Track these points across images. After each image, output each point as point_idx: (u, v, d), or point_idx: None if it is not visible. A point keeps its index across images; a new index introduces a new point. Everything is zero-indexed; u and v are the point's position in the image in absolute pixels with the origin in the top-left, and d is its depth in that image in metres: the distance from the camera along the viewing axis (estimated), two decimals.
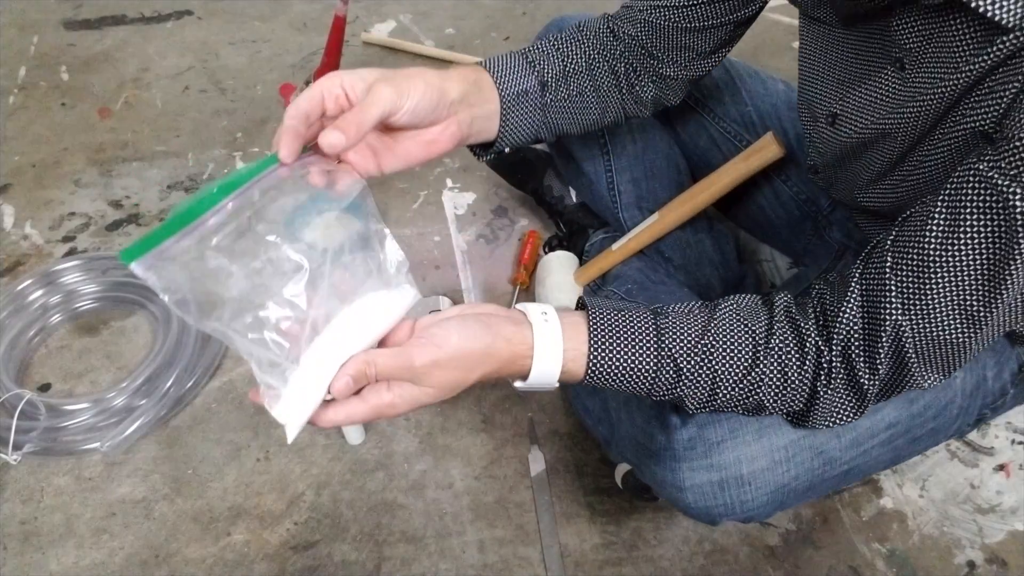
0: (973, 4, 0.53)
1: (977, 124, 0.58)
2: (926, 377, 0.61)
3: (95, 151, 1.42)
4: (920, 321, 0.58)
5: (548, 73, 0.75)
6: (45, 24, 1.71)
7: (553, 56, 0.76)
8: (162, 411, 1.02)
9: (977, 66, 0.57)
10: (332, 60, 1.42)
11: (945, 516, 0.98)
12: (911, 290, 0.58)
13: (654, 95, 0.82)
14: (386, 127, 0.63)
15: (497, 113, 0.72)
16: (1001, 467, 1.03)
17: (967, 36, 0.57)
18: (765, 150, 0.92)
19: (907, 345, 0.59)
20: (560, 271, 1.14)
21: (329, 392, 0.54)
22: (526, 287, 1.20)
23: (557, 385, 0.63)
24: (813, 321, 0.62)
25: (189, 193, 1.35)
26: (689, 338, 0.62)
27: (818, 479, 0.73)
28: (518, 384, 0.62)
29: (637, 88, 0.81)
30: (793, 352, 0.62)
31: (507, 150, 0.76)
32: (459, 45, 1.70)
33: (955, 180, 0.55)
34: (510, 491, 0.98)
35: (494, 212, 1.34)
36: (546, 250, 1.24)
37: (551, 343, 0.60)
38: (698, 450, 0.70)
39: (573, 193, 1.21)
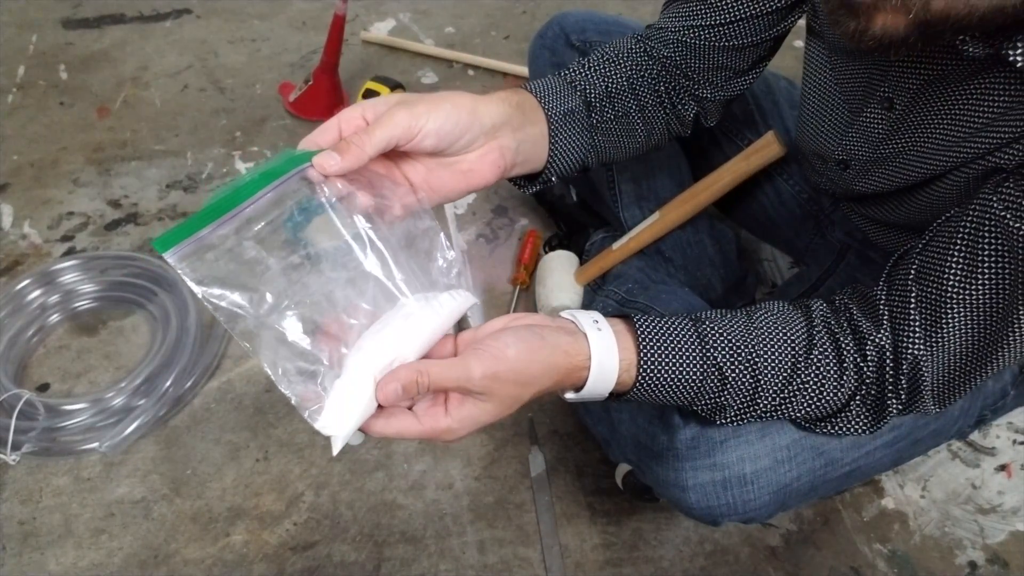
0: (1011, 58, 0.52)
1: (1000, 163, 0.58)
2: (932, 405, 0.63)
3: (94, 150, 1.42)
4: (937, 355, 0.59)
5: (591, 93, 0.71)
6: (44, 23, 1.71)
7: (592, 77, 0.72)
8: (161, 411, 1.02)
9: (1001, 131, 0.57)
10: (331, 59, 1.42)
11: (946, 516, 0.98)
12: (931, 325, 0.59)
13: (695, 114, 0.79)
14: (413, 155, 0.59)
15: (545, 137, 0.68)
16: (1002, 467, 1.02)
17: (995, 91, 0.57)
18: (766, 149, 0.92)
19: (924, 375, 0.60)
20: (560, 270, 1.14)
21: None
22: (526, 287, 1.20)
23: (607, 396, 0.61)
24: (851, 337, 0.62)
25: (188, 192, 1.34)
26: (732, 344, 0.61)
27: (820, 479, 0.73)
28: (569, 395, 0.61)
29: (679, 107, 0.77)
30: (832, 367, 0.62)
31: (554, 179, 0.71)
32: (459, 44, 1.69)
33: (972, 219, 0.56)
34: (510, 491, 0.98)
35: (494, 211, 1.33)
36: (546, 249, 1.23)
37: (608, 353, 0.58)
38: (701, 449, 0.69)
39: (573, 192, 1.21)
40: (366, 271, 0.51)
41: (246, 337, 0.48)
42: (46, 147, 1.42)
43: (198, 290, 0.46)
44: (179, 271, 0.45)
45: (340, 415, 0.50)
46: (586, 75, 0.72)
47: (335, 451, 0.51)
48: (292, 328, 0.49)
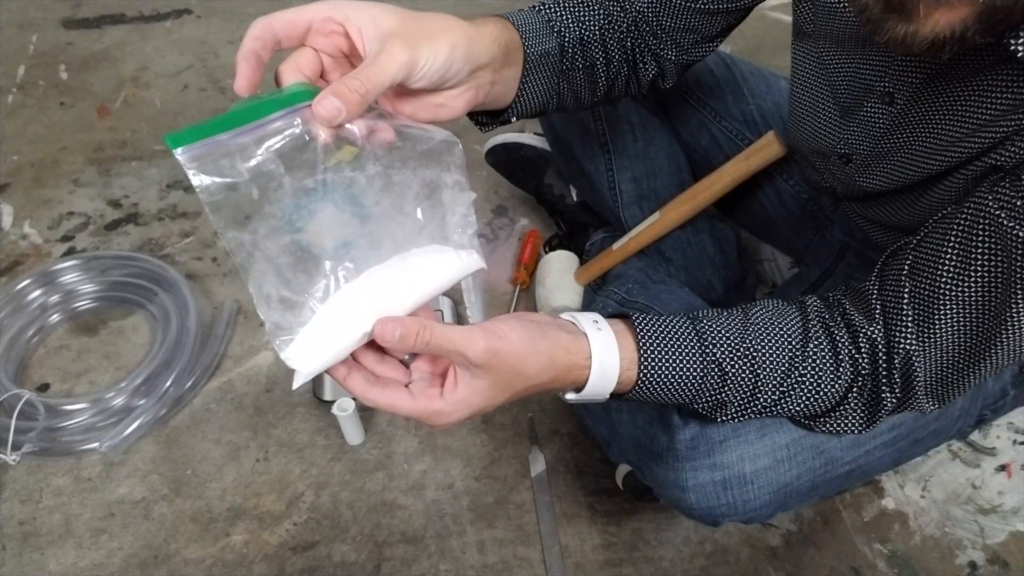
0: (1012, 48, 0.51)
1: (998, 161, 0.58)
2: (928, 403, 0.63)
3: (94, 150, 1.42)
4: (929, 351, 0.59)
5: (566, 37, 0.70)
6: (44, 23, 1.71)
7: (568, 19, 0.70)
8: (161, 411, 1.02)
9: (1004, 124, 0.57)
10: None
11: (947, 516, 0.98)
12: (924, 321, 0.59)
13: (654, 76, 0.78)
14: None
15: (517, 78, 0.65)
16: (1003, 467, 1.02)
17: (999, 88, 0.57)
18: (767, 149, 0.92)
19: (917, 370, 0.60)
20: (561, 271, 1.14)
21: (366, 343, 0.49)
22: (526, 287, 1.20)
23: (608, 397, 0.61)
24: (845, 330, 0.62)
25: (188, 192, 1.34)
26: (730, 340, 0.61)
27: (820, 479, 0.73)
28: (569, 396, 0.60)
29: (640, 66, 0.77)
30: (828, 358, 0.62)
31: (513, 119, 0.70)
32: None
33: (967, 216, 0.56)
34: (510, 491, 0.98)
35: (494, 211, 1.33)
36: (546, 249, 1.23)
37: (608, 352, 0.58)
38: (700, 449, 0.69)
39: (574, 192, 1.21)
40: (375, 212, 0.49)
41: (239, 252, 0.46)
42: (46, 147, 1.42)
43: (203, 195, 0.44)
44: (188, 170, 0.43)
45: (309, 351, 0.48)
46: (563, 16, 0.71)
47: (295, 386, 0.49)
48: (286, 254, 0.47)
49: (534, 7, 0.71)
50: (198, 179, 0.43)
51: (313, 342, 0.48)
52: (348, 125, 0.48)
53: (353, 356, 0.52)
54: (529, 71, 0.66)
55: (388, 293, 0.50)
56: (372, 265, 0.50)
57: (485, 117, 0.69)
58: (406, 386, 0.54)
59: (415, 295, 0.52)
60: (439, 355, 0.53)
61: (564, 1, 0.72)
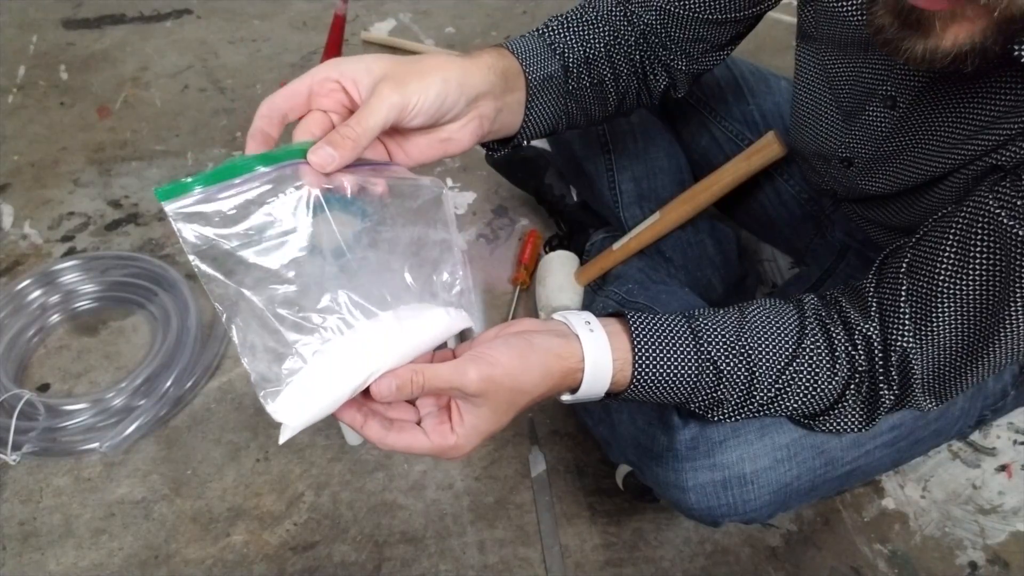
0: (1016, 53, 0.51)
1: (999, 161, 0.58)
2: (926, 401, 0.63)
3: (94, 150, 1.42)
4: (926, 348, 0.60)
5: (570, 58, 0.70)
6: (44, 23, 1.71)
7: (571, 40, 0.71)
8: (161, 411, 1.02)
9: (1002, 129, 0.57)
10: (332, 59, 1.42)
11: (947, 517, 0.98)
12: (921, 319, 0.59)
13: (665, 86, 0.78)
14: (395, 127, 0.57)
15: (522, 103, 0.66)
16: (1003, 467, 1.02)
17: (1000, 90, 0.57)
18: (767, 149, 0.92)
19: (914, 368, 0.60)
20: (561, 271, 1.14)
21: (368, 393, 0.50)
22: (526, 287, 1.20)
23: (603, 396, 0.61)
24: (842, 328, 0.62)
25: None
26: (726, 338, 0.61)
27: (820, 479, 0.73)
28: (565, 397, 0.60)
29: (651, 78, 0.77)
30: (824, 355, 0.62)
31: (525, 143, 0.71)
32: (459, 44, 1.70)
33: (966, 215, 0.56)
34: (511, 492, 0.98)
35: (494, 211, 1.33)
36: (547, 249, 1.23)
37: (601, 354, 0.58)
38: (700, 450, 0.69)
39: (574, 192, 1.21)
40: (364, 267, 0.50)
41: (223, 301, 0.46)
42: (47, 147, 1.42)
43: (187, 247, 0.44)
44: (174, 223, 0.43)
45: (296, 406, 0.48)
46: (566, 37, 0.71)
47: (282, 440, 0.49)
48: (272, 306, 0.47)
49: (537, 30, 0.71)
50: (185, 231, 0.44)
51: (301, 396, 0.48)
52: (343, 180, 0.49)
53: (364, 400, 0.52)
54: (534, 95, 0.67)
55: (378, 348, 0.50)
56: (361, 320, 0.50)
57: (496, 144, 0.70)
58: (418, 423, 0.55)
59: (404, 351, 0.52)
60: (437, 394, 0.54)
61: (568, 21, 0.72)
